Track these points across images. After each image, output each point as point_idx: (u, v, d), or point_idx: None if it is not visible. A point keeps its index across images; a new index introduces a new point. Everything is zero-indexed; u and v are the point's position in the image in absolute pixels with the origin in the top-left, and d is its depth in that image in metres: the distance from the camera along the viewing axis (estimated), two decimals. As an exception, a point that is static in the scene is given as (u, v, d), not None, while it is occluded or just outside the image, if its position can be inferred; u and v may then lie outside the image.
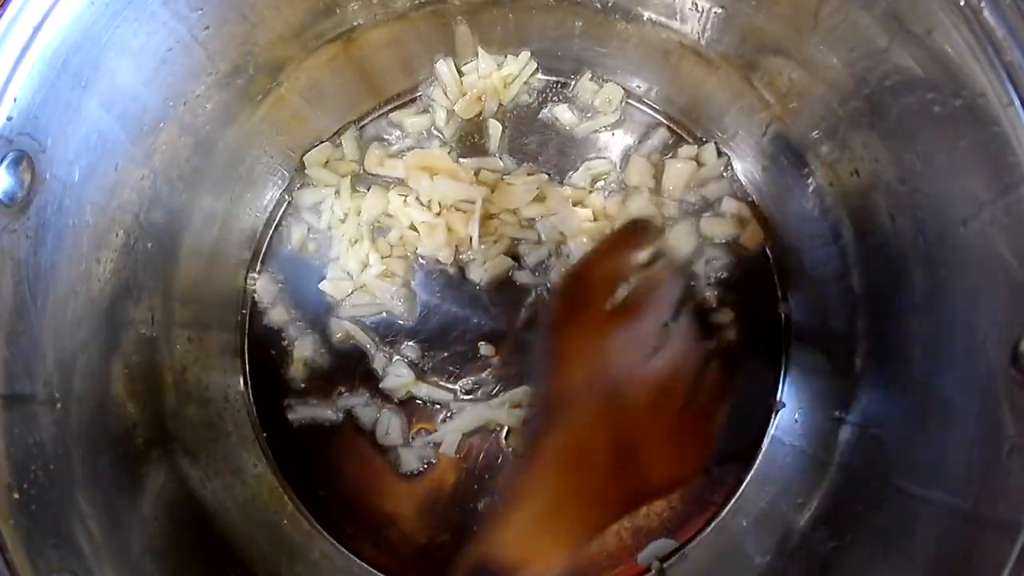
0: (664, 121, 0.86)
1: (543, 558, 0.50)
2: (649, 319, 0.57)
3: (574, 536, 0.52)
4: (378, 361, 0.81)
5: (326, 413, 0.81)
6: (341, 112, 0.86)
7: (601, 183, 0.84)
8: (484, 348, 0.81)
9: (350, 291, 0.82)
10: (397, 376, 0.80)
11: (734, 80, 0.77)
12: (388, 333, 0.82)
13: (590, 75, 0.85)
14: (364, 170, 0.85)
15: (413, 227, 0.82)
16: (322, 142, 0.86)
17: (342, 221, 0.84)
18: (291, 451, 0.81)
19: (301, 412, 0.81)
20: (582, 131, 0.85)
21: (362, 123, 0.87)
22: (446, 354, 0.82)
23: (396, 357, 0.81)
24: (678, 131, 0.86)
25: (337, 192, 0.84)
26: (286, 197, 0.86)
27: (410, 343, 0.82)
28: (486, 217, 0.82)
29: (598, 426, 0.54)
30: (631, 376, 0.56)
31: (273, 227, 0.85)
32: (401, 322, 0.82)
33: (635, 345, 0.56)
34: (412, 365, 0.81)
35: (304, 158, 0.85)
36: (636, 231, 0.65)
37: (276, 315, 0.83)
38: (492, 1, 0.79)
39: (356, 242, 0.83)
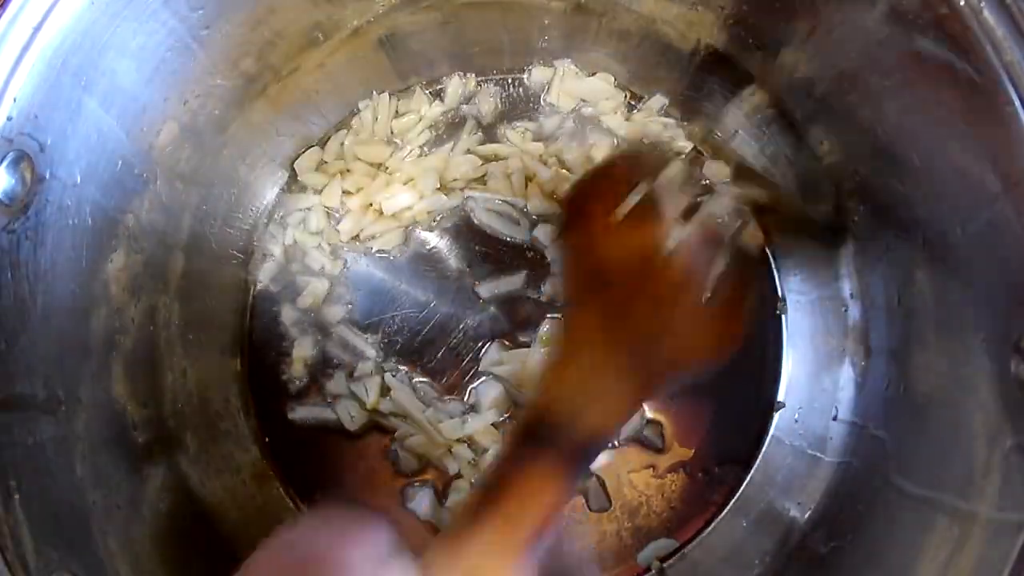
0: (663, 120, 0.86)
1: (594, 412, 0.53)
2: (658, 224, 0.59)
3: (623, 395, 0.55)
4: (367, 367, 0.81)
5: (326, 413, 0.81)
6: (341, 113, 0.86)
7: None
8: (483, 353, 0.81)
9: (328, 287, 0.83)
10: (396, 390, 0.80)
11: (733, 79, 0.77)
12: (384, 333, 0.82)
13: (588, 72, 0.86)
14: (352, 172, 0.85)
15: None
16: (310, 147, 0.86)
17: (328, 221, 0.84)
18: (291, 451, 0.81)
19: (301, 412, 0.81)
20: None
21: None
22: (439, 355, 0.81)
23: (387, 369, 0.81)
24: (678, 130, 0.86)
25: (317, 192, 0.85)
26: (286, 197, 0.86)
27: (405, 349, 0.82)
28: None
29: (620, 310, 0.57)
30: (644, 270, 0.58)
31: (273, 227, 0.85)
32: (396, 323, 0.82)
33: (646, 244, 0.59)
34: (407, 377, 0.80)
35: (295, 165, 0.85)
36: (640, 157, 0.68)
37: (276, 315, 0.83)
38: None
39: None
